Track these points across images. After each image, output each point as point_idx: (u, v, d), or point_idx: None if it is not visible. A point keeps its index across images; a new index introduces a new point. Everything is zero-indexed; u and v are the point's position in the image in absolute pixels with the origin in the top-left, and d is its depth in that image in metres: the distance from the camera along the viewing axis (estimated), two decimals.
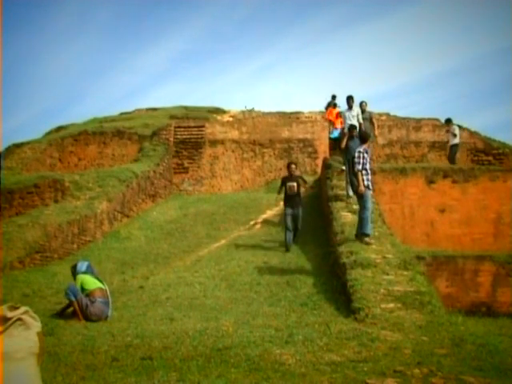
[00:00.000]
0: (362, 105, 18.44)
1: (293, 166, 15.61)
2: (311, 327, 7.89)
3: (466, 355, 6.51)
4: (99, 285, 9.43)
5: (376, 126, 18.96)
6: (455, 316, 8.73)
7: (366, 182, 11.83)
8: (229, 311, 9.41)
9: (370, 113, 18.74)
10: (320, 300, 9.98)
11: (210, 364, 6.03)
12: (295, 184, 15.22)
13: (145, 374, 5.73)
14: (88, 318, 8.97)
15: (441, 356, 6.41)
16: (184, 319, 8.76)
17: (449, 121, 20.72)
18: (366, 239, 11.64)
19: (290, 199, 15.26)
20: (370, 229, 11.77)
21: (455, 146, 20.41)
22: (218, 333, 7.52)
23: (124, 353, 6.54)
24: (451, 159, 20.26)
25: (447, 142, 20.91)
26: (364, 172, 11.92)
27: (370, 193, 11.89)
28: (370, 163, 12.15)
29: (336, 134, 19.84)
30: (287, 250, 14.67)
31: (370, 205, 11.83)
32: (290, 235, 15.03)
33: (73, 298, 9.02)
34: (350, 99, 17.57)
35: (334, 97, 22.25)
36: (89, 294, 9.17)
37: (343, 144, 16.22)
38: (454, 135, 20.29)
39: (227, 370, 5.84)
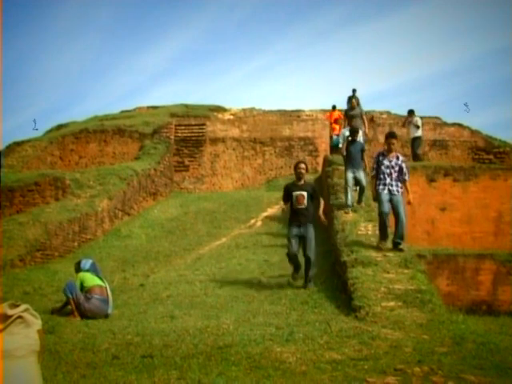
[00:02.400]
0: (351, 101, 18.45)
1: (301, 167, 11.24)
2: (312, 325, 7.89)
3: (467, 354, 6.51)
4: (98, 282, 9.41)
5: (367, 123, 18.76)
6: (456, 314, 8.73)
7: (377, 187, 11.22)
8: (229, 309, 9.40)
9: (361, 109, 18.64)
10: (321, 298, 9.98)
11: (211, 362, 6.03)
12: (305, 194, 10.97)
13: (145, 371, 5.73)
14: (83, 314, 8.98)
15: (441, 354, 6.41)
16: (185, 317, 8.76)
17: (411, 112, 20.28)
18: (379, 244, 11.22)
19: (298, 215, 11.03)
20: (383, 234, 11.26)
21: (418, 138, 19.95)
22: (218, 331, 7.52)
23: (124, 351, 6.54)
24: (414, 154, 19.64)
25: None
26: (379, 177, 11.27)
27: (383, 197, 11.11)
28: (391, 167, 11.22)
29: (336, 141, 19.68)
30: (293, 278, 11.20)
31: (383, 209, 11.11)
32: (296, 265, 11.08)
33: (69, 295, 9.02)
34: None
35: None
36: (87, 291, 9.17)
37: (343, 149, 15.41)
38: (417, 127, 19.85)
39: (228, 368, 5.84)
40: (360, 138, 15.87)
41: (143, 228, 18.23)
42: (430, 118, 25.91)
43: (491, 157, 24.08)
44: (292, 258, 10.96)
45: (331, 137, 21.83)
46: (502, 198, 16.76)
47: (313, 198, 11.07)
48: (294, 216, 11.10)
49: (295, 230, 10.95)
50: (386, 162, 11.25)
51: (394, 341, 6.89)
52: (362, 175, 13.95)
